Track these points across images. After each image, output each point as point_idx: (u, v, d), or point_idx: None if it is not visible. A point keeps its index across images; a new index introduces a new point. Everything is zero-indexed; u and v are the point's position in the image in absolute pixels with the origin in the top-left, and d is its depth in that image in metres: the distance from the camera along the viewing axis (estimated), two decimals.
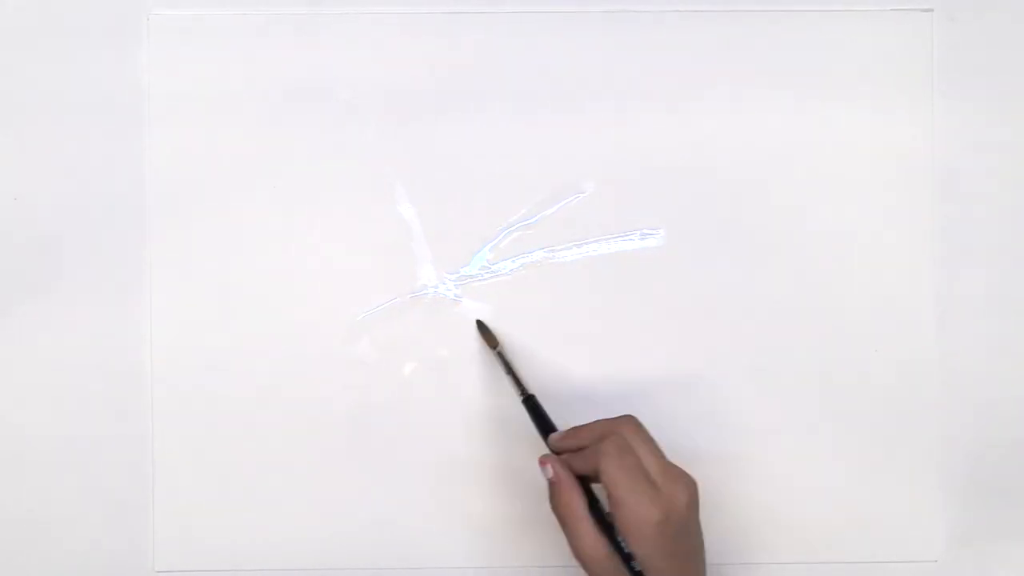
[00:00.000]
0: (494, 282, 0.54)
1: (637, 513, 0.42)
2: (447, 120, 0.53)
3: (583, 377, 0.53)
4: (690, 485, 0.44)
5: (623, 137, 0.53)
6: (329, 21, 0.53)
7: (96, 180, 0.53)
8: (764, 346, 0.53)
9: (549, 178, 0.54)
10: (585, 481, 0.45)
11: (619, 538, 0.43)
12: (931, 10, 0.54)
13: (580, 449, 0.45)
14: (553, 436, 0.48)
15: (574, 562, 0.44)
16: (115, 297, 0.53)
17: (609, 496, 0.43)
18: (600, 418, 0.47)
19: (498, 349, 0.52)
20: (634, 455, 0.44)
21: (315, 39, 0.53)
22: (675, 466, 0.45)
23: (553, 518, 0.45)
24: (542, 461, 0.46)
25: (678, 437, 0.53)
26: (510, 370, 0.51)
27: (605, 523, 0.44)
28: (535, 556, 0.53)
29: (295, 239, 0.53)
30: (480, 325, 0.53)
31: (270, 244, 0.53)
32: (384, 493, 0.53)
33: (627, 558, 0.43)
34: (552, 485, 0.45)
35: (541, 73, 0.54)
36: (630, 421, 0.46)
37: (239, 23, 0.53)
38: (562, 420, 0.49)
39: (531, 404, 0.50)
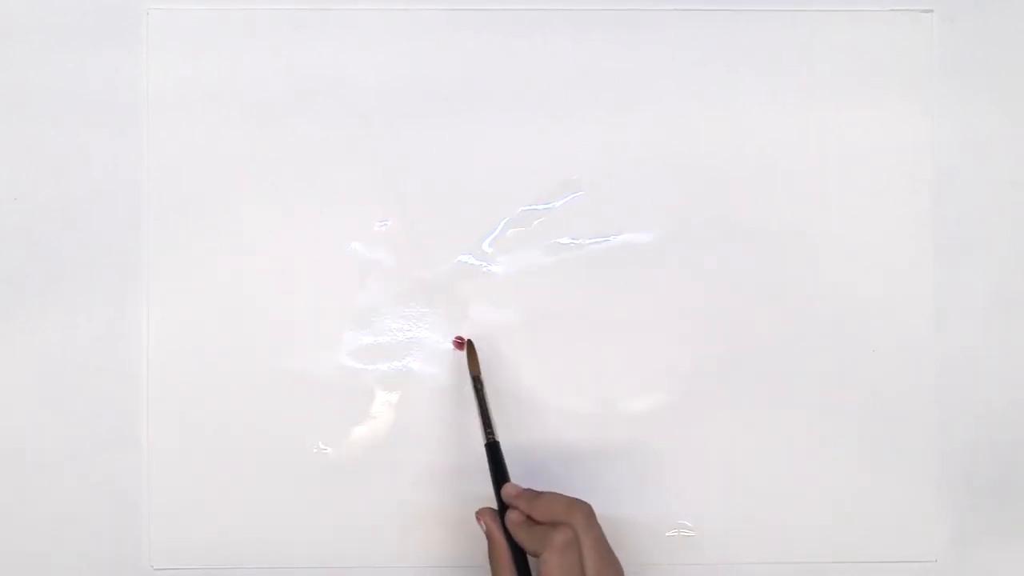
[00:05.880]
0: (494, 280, 0.53)
1: None
2: (445, 118, 0.53)
3: (580, 374, 0.53)
4: None
5: (622, 136, 0.53)
6: (329, 17, 0.53)
7: (95, 178, 0.53)
8: (763, 346, 0.53)
9: (549, 176, 0.53)
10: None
11: None
12: (931, 11, 0.54)
13: (529, 518, 0.46)
14: (508, 487, 0.48)
15: None
16: (113, 297, 0.53)
17: None
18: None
19: (479, 376, 0.51)
20: (577, 555, 0.44)
21: (315, 35, 0.53)
22: (613, 566, 0.45)
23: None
24: (478, 515, 0.48)
25: (674, 437, 0.53)
26: (483, 407, 0.50)
27: None
28: None
29: (294, 237, 0.53)
30: (470, 347, 0.52)
31: (268, 243, 0.53)
32: (383, 492, 0.53)
33: None
34: (487, 537, 0.48)
35: (541, 71, 0.53)
36: (583, 512, 0.46)
37: (238, 19, 0.53)
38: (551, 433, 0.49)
39: (493, 450, 0.49)
